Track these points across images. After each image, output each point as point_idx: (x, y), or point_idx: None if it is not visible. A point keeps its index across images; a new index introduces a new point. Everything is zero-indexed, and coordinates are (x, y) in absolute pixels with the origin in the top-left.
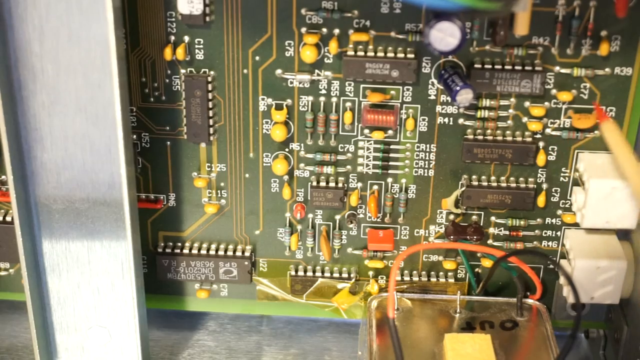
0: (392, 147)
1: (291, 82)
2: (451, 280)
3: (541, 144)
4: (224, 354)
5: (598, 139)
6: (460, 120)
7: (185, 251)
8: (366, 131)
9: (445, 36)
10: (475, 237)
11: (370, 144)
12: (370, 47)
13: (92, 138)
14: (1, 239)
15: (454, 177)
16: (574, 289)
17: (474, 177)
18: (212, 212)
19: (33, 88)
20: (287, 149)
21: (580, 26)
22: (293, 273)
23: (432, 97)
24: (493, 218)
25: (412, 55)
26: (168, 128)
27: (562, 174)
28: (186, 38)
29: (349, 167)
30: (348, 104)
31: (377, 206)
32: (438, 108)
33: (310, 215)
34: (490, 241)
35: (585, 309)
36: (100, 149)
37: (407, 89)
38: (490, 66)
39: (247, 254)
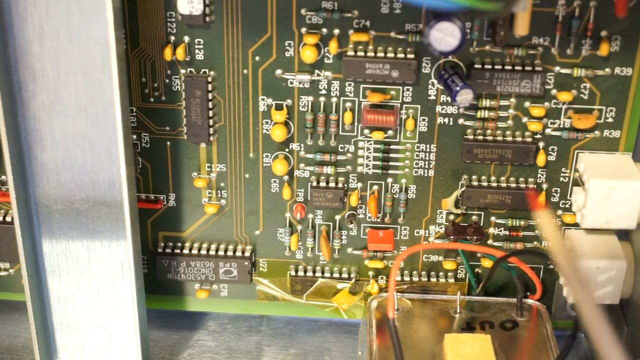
0: (392, 147)
1: (291, 82)
2: (451, 281)
3: (541, 144)
4: (224, 354)
5: (598, 139)
6: (460, 121)
7: (185, 251)
8: (366, 131)
9: (445, 36)
10: (475, 237)
11: (370, 144)
12: (370, 47)
13: (92, 138)
14: (1, 239)
15: (454, 177)
16: None
17: (474, 177)
18: (212, 212)
19: (33, 88)
20: (287, 149)
21: (580, 26)
22: (293, 273)
23: (432, 98)
24: (493, 218)
25: (412, 56)
26: (168, 128)
27: (562, 174)
28: (186, 38)
29: (349, 167)
30: (348, 104)
31: (377, 206)
32: (438, 108)
33: (310, 216)
34: (490, 241)
35: None
36: (100, 149)
37: (407, 89)
38: (490, 66)
39: (247, 254)
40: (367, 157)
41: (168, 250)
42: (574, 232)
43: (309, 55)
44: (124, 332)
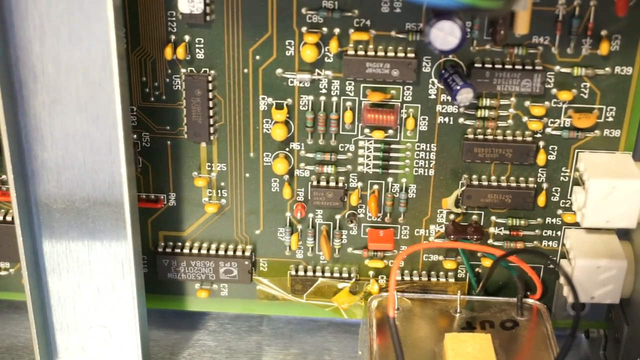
0: (392, 146)
1: (291, 82)
2: (451, 280)
3: (541, 143)
4: (224, 354)
5: (598, 139)
6: (461, 120)
7: (186, 251)
8: (366, 130)
9: (445, 35)
10: (475, 236)
11: (371, 143)
12: (371, 46)
13: (92, 137)
14: (1, 239)
15: (454, 177)
16: (573, 288)
17: (474, 176)
18: (213, 212)
19: (34, 87)
20: (287, 149)
21: (581, 25)
22: (293, 273)
23: (433, 97)
24: (493, 218)
25: (413, 55)
26: (168, 127)
27: (562, 174)
28: (187, 37)
29: (349, 166)
30: (348, 104)
31: (377, 206)
32: (438, 107)
33: (310, 215)
34: (490, 241)
35: (585, 309)
36: (100, 149)
37: (408, 89)
38: (490, 65)
39: (247, 253)
40: (368, 157)
41: (168, 250)
42: (574, 232)
43: (309, 54)
44: (124, 331)
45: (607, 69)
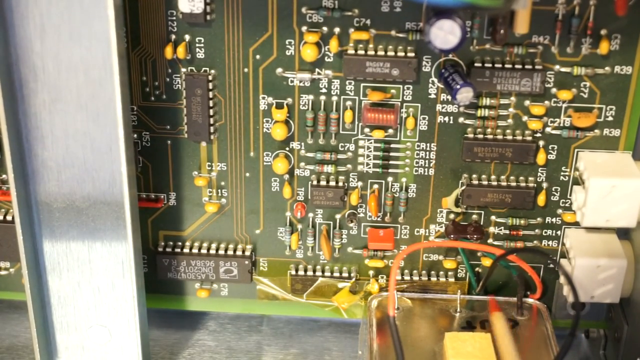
0: (392, 146)
1: (292, 81)
2: (451, 280)
3: (541, 142)
4: (224, 354)
5: (598, 138)
6: (461, 119)
7: (186, 250)
8: (366, 130)
9: (445, 34)
10: (475, 236)
11: (371, 142)
12: (371, 45)
13: (93, 136)
14: (2, 238)
15: (454, 176)
16: (572, 287)
17: (474, 176)
18: (213, 211)
19: (34, 86)
20: (287, 148)
21: (580, 25)
22: (293, 272)
23: (433, 96)
24: (493, 217)
25: (413, 54)
26: (169, 127)
27: (562, 173)
28: (187, 37)
29: (349, 166)
30: (348, 103)
31: (377, 205)
32: (438, 107)
33: (310, 215)
34: (490, 240)
35: (585, 309)
36: (101, 148)
37: (408, 88)
38: (490, 65)
39: (247, 253)
40: (368, 156)
41: (168, 250)
42: (574, 231)
43: (309, 53)
44: (124, 331)
45: (606, 68)
